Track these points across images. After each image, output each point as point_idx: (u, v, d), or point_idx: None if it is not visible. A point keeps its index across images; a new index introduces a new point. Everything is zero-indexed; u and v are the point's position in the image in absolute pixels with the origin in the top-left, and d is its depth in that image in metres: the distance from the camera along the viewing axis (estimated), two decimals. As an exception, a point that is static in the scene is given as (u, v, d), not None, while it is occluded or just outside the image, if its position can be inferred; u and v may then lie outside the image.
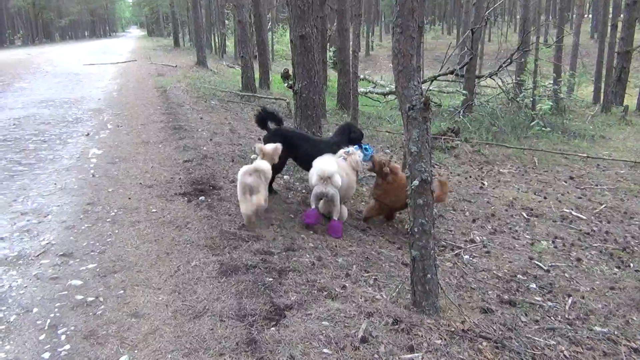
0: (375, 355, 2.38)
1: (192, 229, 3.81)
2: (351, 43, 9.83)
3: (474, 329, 2.78)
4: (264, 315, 2.66)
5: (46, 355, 2.35)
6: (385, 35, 46.82)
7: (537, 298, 3.74)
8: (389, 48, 32.26)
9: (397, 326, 2.64)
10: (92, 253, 3.40)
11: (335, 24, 12.81)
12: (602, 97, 14.91)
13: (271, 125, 5.00)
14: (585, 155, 8.55)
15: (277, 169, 4.97)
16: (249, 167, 4.05)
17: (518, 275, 4.15)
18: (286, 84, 9.57)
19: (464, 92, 11.49)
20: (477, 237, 5.02)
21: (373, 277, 3.49)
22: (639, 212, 6.06)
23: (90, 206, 4.28)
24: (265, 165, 4.12)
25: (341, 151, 4.68)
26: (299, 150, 4.91)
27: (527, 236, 5.19)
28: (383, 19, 51.57)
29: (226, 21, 28.46)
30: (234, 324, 2.57)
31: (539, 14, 21.60)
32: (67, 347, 2.40)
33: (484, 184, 7.08)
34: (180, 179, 5.05)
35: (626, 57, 14.01)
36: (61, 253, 3.39)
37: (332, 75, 15.67)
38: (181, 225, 3.88)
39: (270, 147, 4.33)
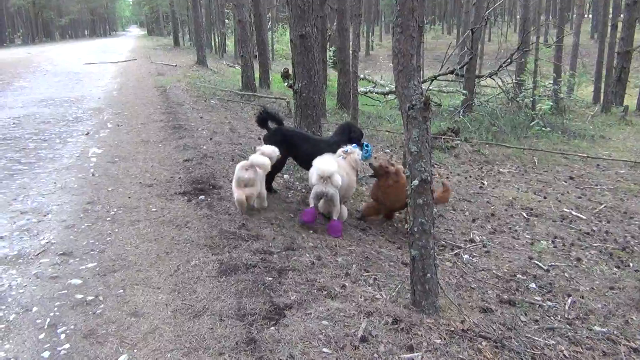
0: (375, 355, 2.38)
1: (192, 228, 3.81)
2: (351, 43, 9.82)
3: (474, 329, 2.78)
4: (264, 314, 2.66)
5: (46, 354, 2.35)
6: (385, 35, 46.81)
7: (536, 298, 3.74)
8: (389, 48, 32.27)
9: (396, 325, 2.64)
10: (92, 252, 3.40)
11: (335, 24, 12.81)
12: (602, 97, 14.92)
13: (271, 124, 5.00)
14: (585, 155, 8.56)
15: (277, 168, 4.98)
16: (246, 162, 4.12)
17: (518, 275, 4.15)
18: (286, 84, 9.57)
19: (464, 91, 11.50)
20: (477, 237, 5.02)
21: (373, 276, 3.49)
22: (638, 212, 6.06)
23: (90, 205, 4.28)
24: (262, 160, 4.14)
25: (340, 150, 4.68)
26: (299, 150, 4.92)
27: (527, 236, 5.19)
28: (383, 19, 51.56)
29: (226, 20, 28.45)
30: (233, 323, 2.57)
31: (539, 14, 21.60)
32: (67, 346, 2.40)
33: (483, 184, 7.08)
34: (180, 178, 5.05)
35: (626, 57, 14.02)
36: (61, 252, 3.39)
37: (332, 74, 15.67)
38: (181, 224, 3.88)
39: (268, 149, 4.38)
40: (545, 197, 6.55)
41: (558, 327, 3.18)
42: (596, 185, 7.20)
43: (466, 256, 4.49)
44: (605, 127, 11.75)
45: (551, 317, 3.41)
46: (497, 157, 8.59)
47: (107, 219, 3.98)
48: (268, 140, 4.81)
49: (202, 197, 4.48)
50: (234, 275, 3.06)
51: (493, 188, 6.92)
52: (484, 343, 2.62)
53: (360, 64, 14.06)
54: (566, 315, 3.47)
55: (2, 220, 3.94)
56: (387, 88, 15.33)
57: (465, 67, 11.33)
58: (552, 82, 12.84)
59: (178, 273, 3.11)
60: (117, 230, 3.77)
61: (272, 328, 2.54)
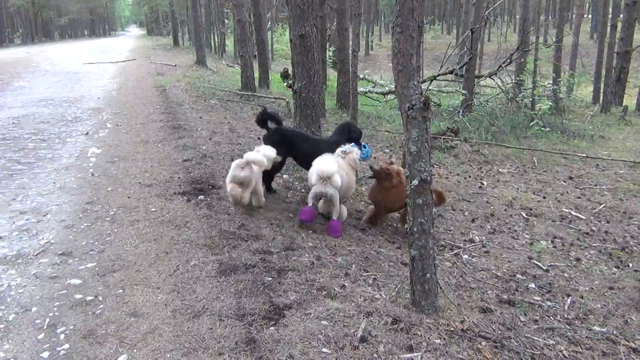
0: (375, 355, 2.38)
1: (192, 228, 3.81)
2: (351, 42, 9.82)
3: (473, 329, 2.78)
4: (263, 314, 2.66)
5: (45, 354, 2.34)
6: (385, 34, 46.81)
7: (536, 298, 3.74)
8: (388, 47, 32.25)
9: (396, 326, 2.64)
10: (91, 252, 3.40)
11: (334, 24, 12.81)
12: (601, 97, 14.93)
13: (271, 124, 5.00)
14: (584, 155, 8.56)
15: (276, 168, 4.98)
16: (241, 160, 4.12)
17: (517, 275, 4.15)
18: (286, 83, 9.56)
19: (463, 91, 11.50)
20: (476, 237, 5.02)
21: (372, 276, 3.49)
22: (638, 212, 6.06)
23: (89, 205, 4.27)
24: (258, 156, 4.14)
25: (339, 150, 4.68)
26: (298, 150, 4.92)
27: (526, 236, 5.19)
28: (383, 19, 51.56)
29: (226, 20, 28.44)
30: (233, 323, 2.57)
31: (538, 14, 21.61)
32: (66, 346, 2.40)
33: (483, 184, 7.08)
34: (179, 178, 5.05)
35: (625, 57, 14.03)
36: (60, 252, 3.38)
37: (332, 74, 15.67)
38: (180, 224, 3.88)
39: (267, 150, 4.39)
40: (544, 197, 6.55)
41: (557, 327, 3.18)
42: (595, 185, 7.20)
43: (466, 256, 4.50)
44: (605, 127, 11.76)
45: (551, 317, 3.41)
46: (496, 157, 8.60)
47: (107, 219, 3.98)
48: (268, 140, 4.81)
49: (201, 197, 4.47)
50: (234, 275, 3.06)
51: (492, 188, 6.92)
52: (483, 343, 2.62)
53: (360, 64, 14.07)
54: (566, 315, 3.47)
55: (1, 220, 3.94)
56: (387, 88, 15.34)
57: (464, 67, 11.34)
58: (551, 82, 12.85)
59: (177, 273, 3.11)
60: (116, 230, 3.77)
61: (272, 328, 2.54)
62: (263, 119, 4.93)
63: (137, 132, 7.15)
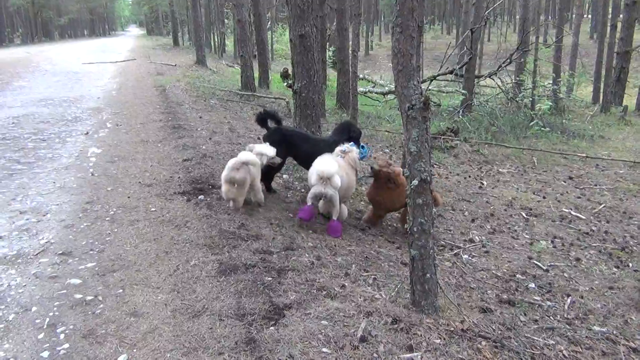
0: (375, 355, 2.38)
1: (191, 228, 3.81)
2: (350, 42, 9.83)
3: (473, 329, 2.78)
4: (263, 314, 2.66)
5: (45, 354, 2.34)
6: (385, 34, 46.81)
7: (536, 298, 3.74)
8: (388, 47, 32.25)
9: (396, 325, 2.64)
10: (91, 252, 3.40)
11: (334, 24, 12.81)
12: (601, 97, 14.93)
13: (271, 124, 5.01)
14: (584, 155, 8.56)
15: (276, 168, 4.98)
16: (236, 161, 4.11)
17: (517, 275, 4.15)
18: (285, 83, 9.56)
19: (463, 91, 11.50)
20: (476, 237, 5.02)
21: (372, 276, 3.49)
22: (637, 211, 6.06)
23: (89, 205, 4.27)
24: (251, 157, 4.16)
25: (338, 149, 4.66)
26: (298, 149, 4.92)
27: (526, 236, 5.19)
28: (382, 19, 51.56)
29: (225, 20, 28.44)
30: (233, 323, 2.57)
31: (538, 14, 21.61)
32: (66, 346, 2.40)
33: (483, 184, 7.08)
34: (179, 178, 5.05)
35: (625, 57, 14.03)
36: (60, 252, 3.38)
37: (332, 74, 15.67)
38: (180, 224, 3.87)
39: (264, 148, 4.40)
40: (544, 197, 6.55)
41: (557, 327, 3.18)
42: (595, 185, 7.20)
43: (465, 256, 4.50)
44: (605, 127, 11.77)
45: (550, 317, 3.41)
46: (496, 157, 8.60)
47: (107, 218, 3.98)
48: (268, 140, 4.81)
49: (201, 196, 4.47)
50: (234, 275, 3.06)
51: (492, 188, 6.92)
52: (483, 343, 2.62)
53: (360, 64, 14.06)
54: (565, 315, 3.47)
55: (1, 220, 3.94)
56: (387, 88, 15.34)
57: (464, 67, 11.34)
58: (551, 82, 12.85)
59: (177, 273, 3.11)
60: (116, 230, 3.77)
61: (272, 328, 2.53)
62: (263, 117, 4.93)
63: (137, 131, 7.15)
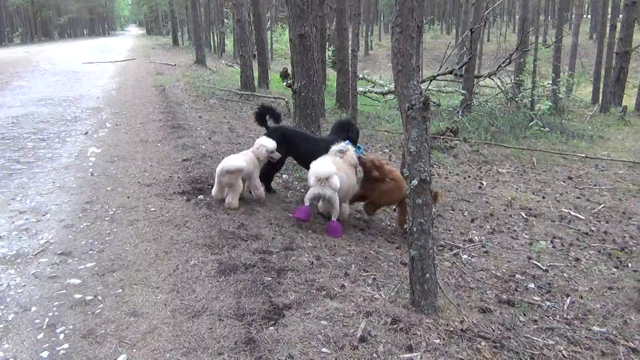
0: (374, 355, 2.38)
1: (191, 227, 3.81)
2: (350, 42, 9.84)
3: (473, 329, 2.78)
4: (263, 314, 2.66)
5: (45, 354, 2.34)
6: (385, 34, 46.81)
7: (535, 298, 3.74)
8: (388, 47, 32.28)
9: (395, 325, 2.65)
10: (91, 252, 3.39)
11: (334, 23, 12.81)
12: (600, 98, 14.95)
13: (270, 122, 5.01)
14: (583, 155, 8.57)
15: (276, 167, 4.98)
16: (222, 168, 4.18)
17: (517, 275, 4.15)
18: (285, 83, 9.58)
19: (462, 91, 11.50)
20: (476, 237, 5.02)
21: (372, 276, 3.49)
22: (637, 212, 6.07)
23: (88, 205, 4.27)
24: (235, 163, 4.19)
25: (334, 149, 4.62)
26: (298, 149, 4.91)
27: (526, 236, 5.19)
28: (382, 19, 51.57)
29: (225, 20, 28.43)
30: (232, 323, 2.57)
31: (538, 14, 21.63)
32: (66, 346, 2.40)
33: (482, 184, 7.09)
34: (179, 177, 5.05)
35: (625, 58, 14.04)
36: (60, 252, 3.38)
37: (331, 74, 15.67)
38: (180, 224, 3.87)
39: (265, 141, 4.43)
40: (544, 197, 6.56)
41: (557, 327, 3.19)
42: (595, 186, 7.21)
43: (465, 256, 4.50)
44: (604, 127, 11.77)
45: (550, 317, 3.42)
46: (495, 157, 8.60)
47: (106, 218, 3.98)
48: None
49: (201, 196, 4.47)
50: (233, 275, 3.06)
51: (492, 188, 6.92)
52: (483, 343, 2.62)
53: (359, 64, 14.06)
54: (565, 316, 3.47)
55: (0, 219, 3.94)
56: (386, 88, 15.33)
57: (464, 67, 11.34)
58: (550, 82, 12.85)
59: (177, 273, 3.11)
60: (116, 229, 3.77)
61: (271, 328, 2.53)
62: (262, 115, 4.93)
63: (137, 131, 7.15)
